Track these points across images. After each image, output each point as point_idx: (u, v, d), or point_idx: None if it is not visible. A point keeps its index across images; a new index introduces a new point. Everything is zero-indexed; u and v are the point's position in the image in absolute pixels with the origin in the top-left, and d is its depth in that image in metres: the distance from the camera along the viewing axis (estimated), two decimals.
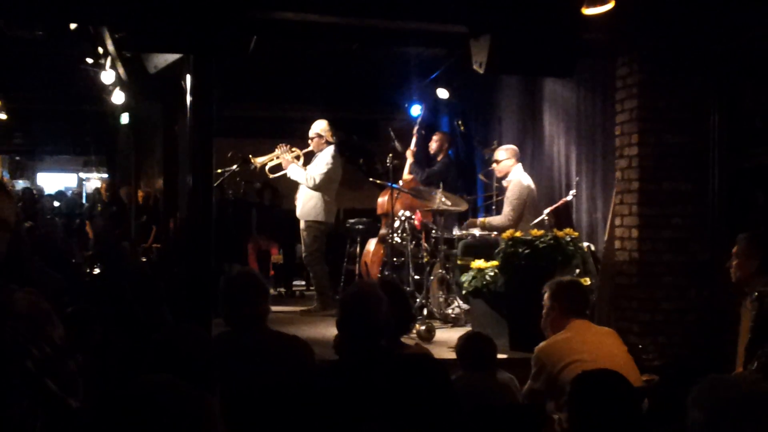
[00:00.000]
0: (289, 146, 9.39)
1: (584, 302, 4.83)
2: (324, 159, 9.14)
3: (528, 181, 8.29)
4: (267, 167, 9.51)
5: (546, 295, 4.72)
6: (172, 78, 7.72)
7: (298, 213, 9.26)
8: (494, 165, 8.52)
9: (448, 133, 10.87)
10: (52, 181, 24.17)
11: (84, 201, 18.23)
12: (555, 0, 6.05)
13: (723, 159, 6.93)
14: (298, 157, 9.37)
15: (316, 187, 9.04)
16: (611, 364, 3.90)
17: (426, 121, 10.87)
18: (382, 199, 9.46)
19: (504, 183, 8.49)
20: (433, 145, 10.14)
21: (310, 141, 9.34)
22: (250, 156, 9.56)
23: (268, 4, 6.46)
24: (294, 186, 9.52)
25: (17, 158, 23.63)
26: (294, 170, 9.21)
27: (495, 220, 8.29)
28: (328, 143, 9.26)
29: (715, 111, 6.95)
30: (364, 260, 9.54)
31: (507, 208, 8.17)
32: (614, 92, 7.45)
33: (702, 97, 7.00)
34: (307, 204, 9.13)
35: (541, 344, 4.56)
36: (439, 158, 10.13)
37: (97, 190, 15.12)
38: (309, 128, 9.44)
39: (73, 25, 8.59)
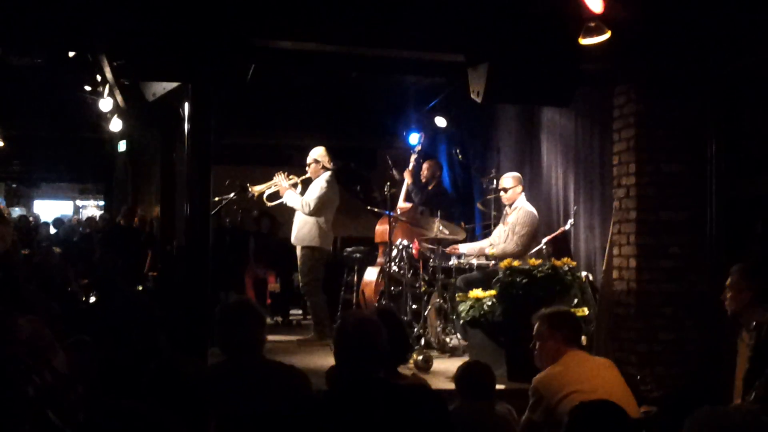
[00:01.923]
0: (286, 174, 9.40)
1: (579, 331, 4.81)
2: (319, 184, 9.16)
3: (533, 209, 8.30)
4: (265, 195, 9.52)
5: (539, 327, 4.67)
6: (170, 105, 7.73)
7: (293, 239, 9.25)
8: (501, 193, 8.49)
9: (438, 160, 10.82)
10: (48, 209, 24.15)
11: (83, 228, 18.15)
12: (552, 30, 6.07)
13: (721, 188, 6.93)
14: (295, 185, 9.38)
15: (310, 213, 9.04)
16: (609, 394, 3.88)
17: (424, 149, 10.88)
18: (381, 228, 9.45)
19: (507, 210, 8.47)
20: (425, 173, 10.17)
21: (307, 167, 9.36)
22: (248, 185, 9.56)
23: (266, 34, 6.48)
24: (290, 215, 9.52)
25: (14, 185, 23.63)
26: (290, 196, 9.22)
27: (505, 248, 8.21)
28: (326, 169, 9.27)
29: (713, 140, 6.96)
30: (362, 289, 9.50)
31: (516, 237, 8.15)
32: (612, 121, 7.47)
33: (699, 126, 7.02)
34: (302, 229, 9.12)
35: (539, 375, 4.53)
36: (430, 187, 10.16)
37: (101, 217, 15.07)
38: (306, 156, 9.45)
39: (71, 53, 8.62)
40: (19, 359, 1.60)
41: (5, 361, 1.59)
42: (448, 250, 8.68)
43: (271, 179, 9.48)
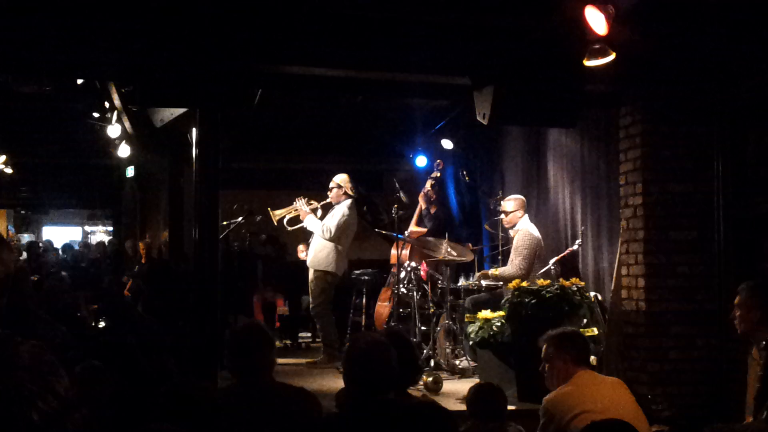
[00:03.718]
0: (306, 199, 9.47)
1: (588, 351, 4.81)
2: (340, 210, 9.21)
3: (535, 231, 8.29)
4: (285, 220, 9.58)
5: (546, 349, 4.68)
6: (178, 131, 7.78)
7: (309, 262, 9.29)
8: (502, 215, 8.52)
9: (425, 191, 10.66)
10: (57, 235, 24.24)
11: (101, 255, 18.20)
12: (557, 52, 6.10)
13: (728, 207, 6.94)
14: (315, 210, 9.44)
15: (330, 238, 9.10)
16: (620, 414, 3.87)
17: (431, 171, 10.90)
18: (396, 251, 9.51)
19: (510, 233, 8.49)
20: (421, 202, 10.25)
21: (329, 191, 9.40)
22: (269, 209, 9.65)
23: (273, 59, 6.53)
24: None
25: (23, 212, 23.73)
26: (311, 221, 9.30)
27: (506, 270, 8.23)
28: (348, 196, 9.33)
29: (719, 159, 6.97)
30: (378, 310, 9.53)
31: (518, 259, 8.13)
32: (618, 141, 7.49)
33: (705, 145, 7.03)
34: (319, 253, 9.17)
35: (549, 395, 4.53)
36: (432, 211, 10.24)
37: (127, 248, 15.07)
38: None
39: (80, 81, 8.70)
40: (21, 385, 1.61)
41: (8, 388, 1.60)
42: (479, 275, 8.71)
43: (284, 205, 9.55)
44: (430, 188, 10.22)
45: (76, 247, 20.73)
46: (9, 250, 3.61)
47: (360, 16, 6.16)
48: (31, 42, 6.07)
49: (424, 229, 9.97)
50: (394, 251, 9.59)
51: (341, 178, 9.40)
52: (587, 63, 5.91)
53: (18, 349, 1.65)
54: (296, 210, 9.45)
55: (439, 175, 10.33)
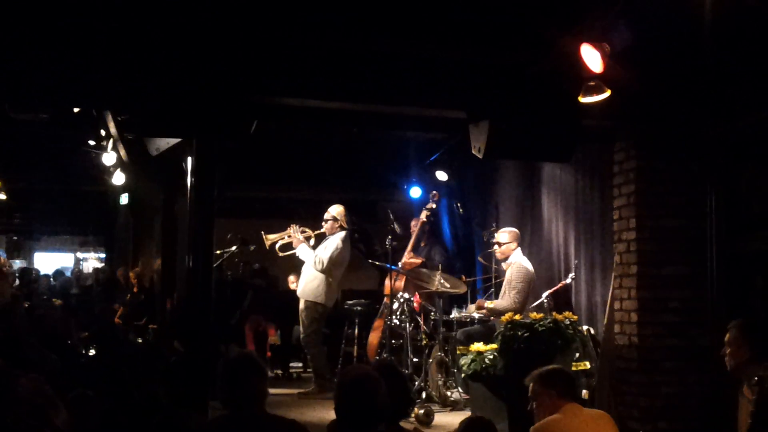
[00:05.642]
0: (300, 227, 9.48)
1: (574, 385, 4.88)
2: (334, 242, 9.22)
3: (529, 264, 8.30)
4: (277, 245, 9.57)
5: (533, 387, 4.72)
6: (173, 159, 7.80)
7: (299, 292, 9.28)
8: (495, 247, 8.54)
9: (420, 222, 10.65)
10: (49, 261, 24.15)
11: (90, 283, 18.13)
12: (553, 88, 6.15)
13: (721, 243, 6.95)
14: (309, 238, 9.46)
15: (322, 270, 9.09)
16: None
17: (425, 202, 10.92)
18: (397, 282, 9.53)
19: (503, 265, 8.50)
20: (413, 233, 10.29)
21: (324, 222, 9.41)
22: (262, 232, 9.65)
23: (269, 90, 6.56)
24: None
25: (15, 238, 23.65)
26: (303, 250, 9.31)
27: (501, 304, 8.22)
28: (342, 228, 9.33)
29: (712, 196, 6.99)
30: (371, 341, 9.50)
31: (512, 293, 8.13)
32: (612, 177, 7.52)
33: (699, 182, 7.06)
34: (310, 284, 9.16)
35: (537, 424, 4.56)
36: (422, 244, 10.31)
37: (119, 276, 15.03)
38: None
39: (76, 109, 8.72)
40: (20, 418, 1.61)
41: (7, 421, 1.61)
42: (474, 307, 8.71)
43: (283, 230, 9.54)
44: (425, 219, 10.24)
45: (68, 274, 20.66)
46: (3, 279, 3.61)
47: (356, 50, 6.21)
48: (28, 71, 6.09)
49: (420, 260, 9.97)
50: (389, 282, 9.59)
51: (337, 210, 9.41)
52: (582, 99, 5.96)
53: (18, 382, 1.66)
54: (290, 236, 9.45)
55: (435, 206, 10.35)
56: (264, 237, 9.62)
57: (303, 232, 9.45)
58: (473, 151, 6.56)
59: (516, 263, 8.28)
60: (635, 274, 7.12)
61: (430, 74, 6.37)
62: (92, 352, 8.80)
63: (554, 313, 7.34)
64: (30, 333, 6.52)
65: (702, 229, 7.03)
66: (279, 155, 11.49)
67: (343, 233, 9.30)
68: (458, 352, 7.99)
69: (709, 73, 6.44)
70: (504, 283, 8.37)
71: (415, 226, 10.31)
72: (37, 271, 20.25)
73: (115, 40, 5.89)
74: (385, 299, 9.47)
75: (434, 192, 10.39)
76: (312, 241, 9.47)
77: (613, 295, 7.43)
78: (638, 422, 6.88)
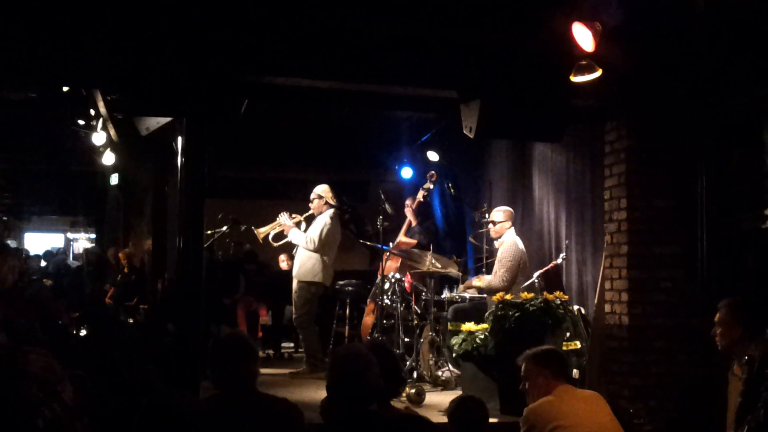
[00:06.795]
0: (289, 213, 9.49)
1: (566, 366, 4.91)
2: (322, 220, 9.26)
3: (520, 243, 8.30)
4: (270, 236, 9.59)
5: (526, 366, 4.72)
6: (164, 139, 7.76)
7: (294, 273, 9.30)
8: (490, 226, 8.53)
9: (417, 202, 10.65)
10: (39, 242, 24.08)
11: (78, 262, 18.08)
12: (544, 67, 6.13)
13: (711, 223, 6.97)
14: (299, 223, 9.48)
15: (315, 249, 9.10)
16: (598, 428, 3.89)
17: (416, 183, 10.92)
18: (390, 263, 9.54)
19: (496, 244, 8.50)
20: (410, 215, 10.28)
21: (310, 203, 9.44)
22: (253, 228, 9.67)
23: (260, 70, 6.53)
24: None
25: (4, 218, 23.57)
26: (295, 234, 9.34)
27: (491, 281, 8.23)
28: (329, 206, 9.35)
29: (703, 175, 7.00)
30: (365, 321, 9.54)
31: (501, 270, 8.12)
32: (603, 157, 7.52)
33: (690, 161, 7.07)
34: (305, 264, 9.17)
35: (531, 405, 4.57)
36: (413, 224, 10.36)
37: (109, 256, 14.99)
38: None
39: (65, 88, 8.66)
40: (30, 392, 1.64)
41: (18, 395, 1.63)
42: (463, 286, 8.72)
43: (269, 215, 9.57)
44: (422, 200, 10.24)
45: (59, 255, 20.60)
46: (13, 257, 3.60)
47: (347, 29, 6.17)
48: (17, 49, 6.05)
49: (414, 241, 9.98)
50: (391, 263, 9.64)
51: (322, 189, 9.44)
52: (574, 79, 5.96)
53: (27, 357, 1.67)
54: (280, 225, 9.48)
55: (432, 187, 10.34)
56: (256, 232, 9.67)
57: (292, 217, 9.47)
58: (464, 131, 6.54)
59: (507, 241, 8.28)
60: (626, 253, 7.13)
61: (422, 53, 6.35)
62: (83, 332, 8.81)
63: (545, 293, 7.36)
64: (20, 313, 6.50)
65: (692, 209, 7.04)
66: (270, 136, 11.46)
67: (330, 210, 9.33)
68: (449, 328, 8.01)
69: (700, 53, 6.44)
70: (495, 261, 8.38)
71: (408, 206, 10.31)
72: (27, 252, 20.19)
73: (105, 19, 5.84)
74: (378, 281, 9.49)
75: (432, 172, 10.36)
76: (303, 226, 9.48)
77: (603, 274, 7.45)
78: (628, 401, 6.91)
